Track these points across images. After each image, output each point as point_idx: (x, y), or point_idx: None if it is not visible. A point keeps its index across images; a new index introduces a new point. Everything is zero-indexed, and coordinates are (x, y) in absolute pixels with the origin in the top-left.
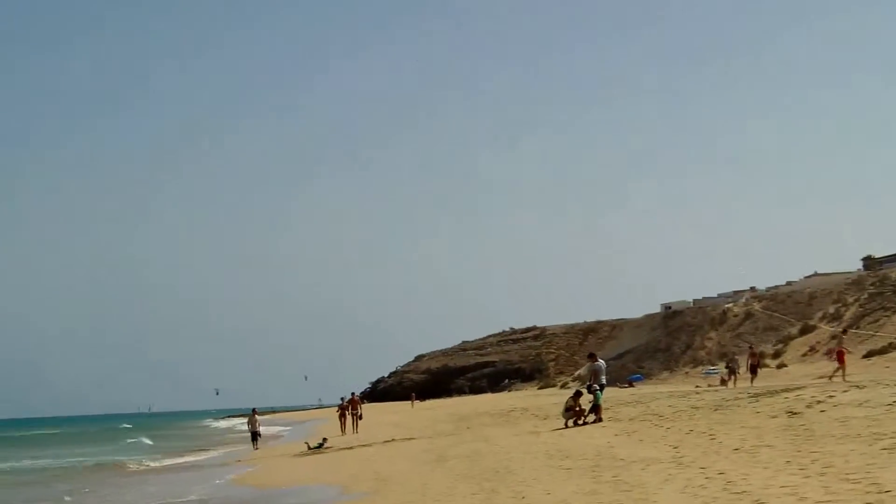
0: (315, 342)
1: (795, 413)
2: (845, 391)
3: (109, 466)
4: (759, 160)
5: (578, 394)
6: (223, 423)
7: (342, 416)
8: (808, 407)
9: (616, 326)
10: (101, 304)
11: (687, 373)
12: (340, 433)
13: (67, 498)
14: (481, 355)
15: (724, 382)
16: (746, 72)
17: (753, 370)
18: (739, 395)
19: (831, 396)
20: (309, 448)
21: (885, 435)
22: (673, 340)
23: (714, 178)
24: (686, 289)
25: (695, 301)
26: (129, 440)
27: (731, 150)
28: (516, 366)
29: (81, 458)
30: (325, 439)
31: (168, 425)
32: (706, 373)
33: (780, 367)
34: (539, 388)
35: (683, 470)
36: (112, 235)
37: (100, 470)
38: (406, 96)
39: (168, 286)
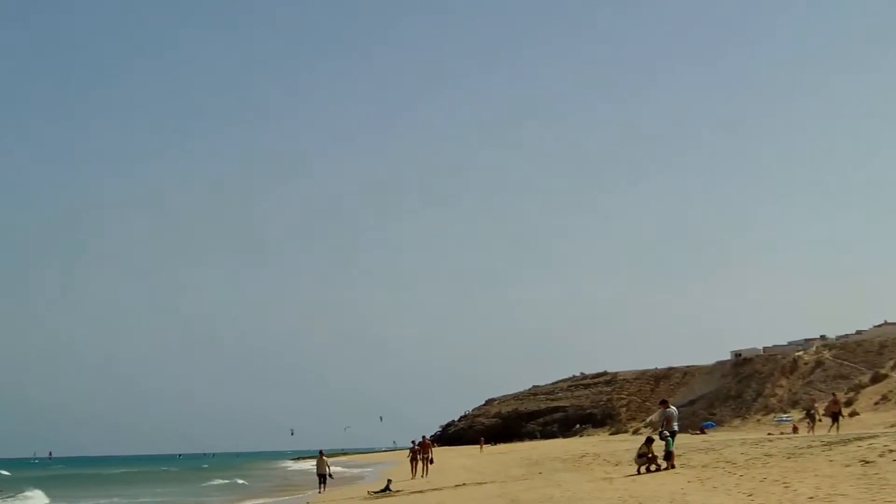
0: (390, 384)
1: (869, 462)
2: None
3: None
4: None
5: (650, 440)
6: (296, 465)
7: (413, 460)
8: (881, 456)
9: (687, 373)
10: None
11: (759, 420)
12: (411, 476)
13: None
14: (552, 400)
15: (795, 430)
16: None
17: (835, 417)
18: (812, 444)
19: None
20: (372, 494)
21: None
22: (744, 388)
23: (785, 227)
24: (755, 336)
25: (765, 349)
26: (220, 481)
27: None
28: (587, 411)
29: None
30: (389, 481)
31: (243, 466)
32: (778, 420)
33: (852, 415)
34: (610, 434)
35: None
36: (191, 283)
37: None
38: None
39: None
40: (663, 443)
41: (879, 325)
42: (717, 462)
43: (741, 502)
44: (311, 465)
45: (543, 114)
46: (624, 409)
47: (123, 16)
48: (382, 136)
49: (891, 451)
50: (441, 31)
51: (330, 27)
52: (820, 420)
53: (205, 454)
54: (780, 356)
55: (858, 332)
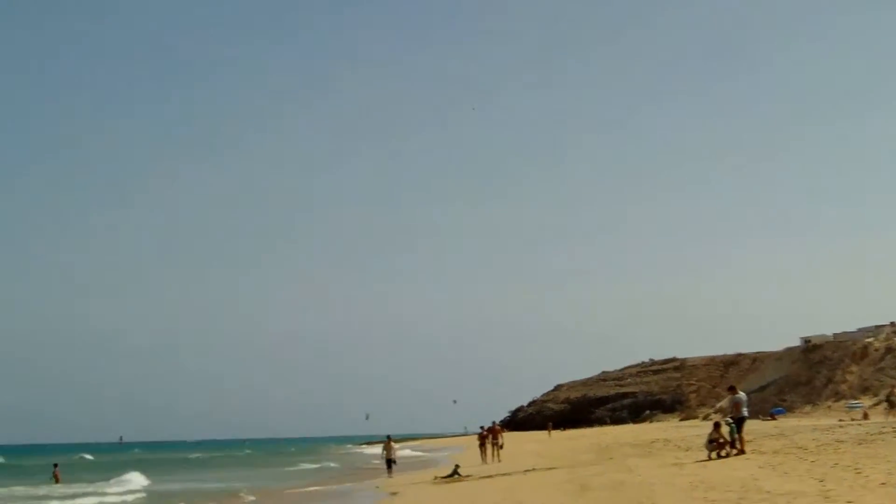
0: (461, 370)
1: None
2: None
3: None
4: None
5: (719, 425)
6: (368, 450)
7: (482, 445)
8: None
9: (756, 359)
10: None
11: (829, 406)
12: (480, 462)
13: None
14: (621, 385)
15: (866, 416)
16: None
17: None
18: (884, 430)
19: None
20: (440, 478)
21: None
22: (814, 374)
23: (854, 212)
24: (824, 322)
25: (834, 335)
26: (310, 465)
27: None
28: (657, 397)
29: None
30: (457, 466)
31: (315, 451)
32: (849, 406)
33: None
34: (680, 420)
35: None
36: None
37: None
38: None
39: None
40: (729, 427)
41: None
42: (789, 448)
43: (813, 488)
44: (378, 450)
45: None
46: (693, 394)
47: None
48: None
49: None
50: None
51: None
52: None
53: (282, 439)
54: (850, 342)
55: None
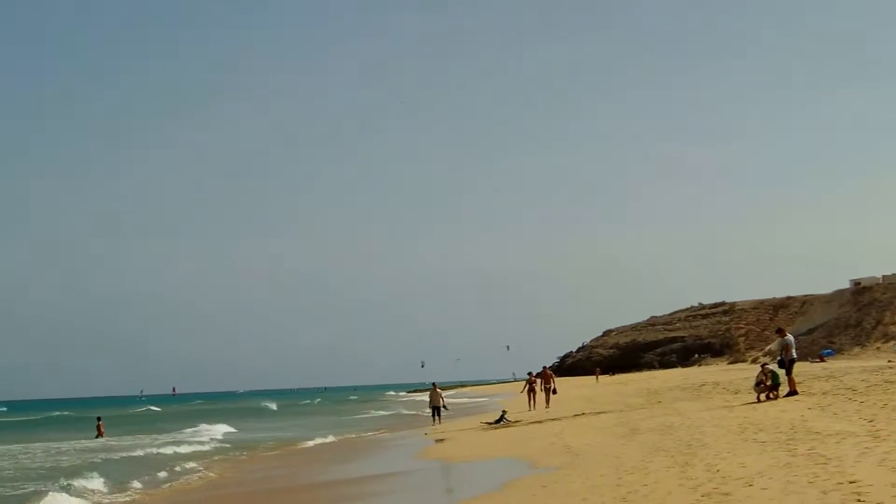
0: (512, 319)
1: None
2: None
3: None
4: None
5: (766, 368)
6: (419, 397)
7: (530, 391)
8: None
9: (806, 302)
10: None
11: (878, 348)
12: (528, 409)
13: None
14: (669, 330)
15: None
16: None
17: None
18: None
19: None
20: (485, 424)
21: None
22: (863, 316)
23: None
24: (874, 265)
25: (884, 277)
26: (381, 412)
27: None
28: (705, 341)
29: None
30: (504, 412)
31: (375, 398)
32: None
33: None
34: (729, 363)
35: (880, 443)
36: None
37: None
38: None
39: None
40: (782, 371)
41: None
42: (838, 389)
43: (862, 429)
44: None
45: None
46: (742, 338)
47: None
48: None
49: None
50: None
51: None
52: None
53: (323, 388)
54: None
55: None
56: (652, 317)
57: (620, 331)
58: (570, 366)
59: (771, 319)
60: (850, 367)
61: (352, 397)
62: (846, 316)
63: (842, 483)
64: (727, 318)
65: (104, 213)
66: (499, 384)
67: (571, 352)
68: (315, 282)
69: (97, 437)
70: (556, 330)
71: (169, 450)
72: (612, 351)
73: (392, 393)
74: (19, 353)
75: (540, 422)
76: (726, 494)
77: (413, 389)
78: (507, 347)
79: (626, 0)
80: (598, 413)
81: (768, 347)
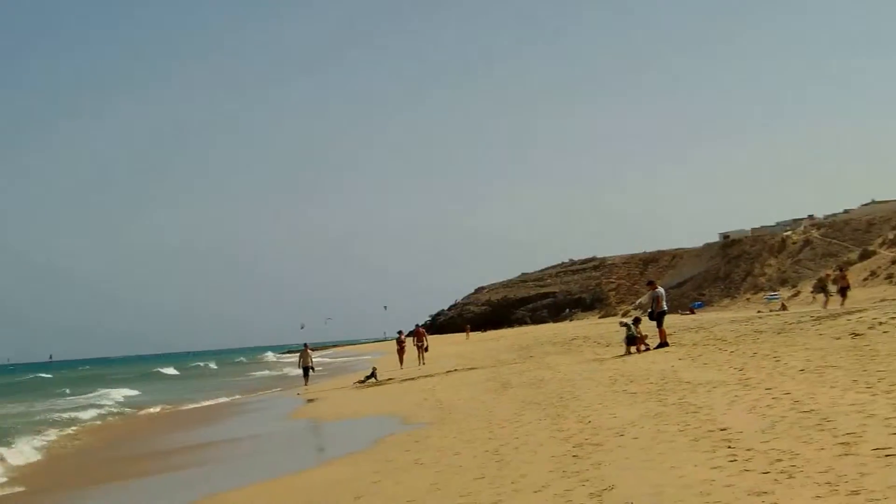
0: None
1: (859, 334)
2: None
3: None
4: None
5: (638, 320)
6: (286, 358)
7: (400, 350)
8: (870, 328)
9: (676, 256)
10: None
11: (748, 299)
12: (399, 367)
13: None
14: (541, 286)
15: (784, 308)
16: None
17: (843, 292)
18: (802, 319)
19: (894, 318)
20: (358, 383)
21: None
22: (732, 268)
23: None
24: (743, 218)
25: (752, 230)
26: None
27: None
28: (577, 296)
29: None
30: (374, 369)
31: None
32: (768, 298)
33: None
34: (600, 317)
35: (750, 391)
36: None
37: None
38: None
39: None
40: (653, 323)
41: (867, 204)
42: (708, 340)
43: (732, 377)
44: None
45: None
46: (613, 292)
47: None
48: None
49: (881, 323)
50: None
51: None
52: (832, 295)
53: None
54: (768, 236)
55: (846, 211)
56: (523, 273)
57: (492, 288)
58: (443, 323)
59: (641, 274)
60: (719, 318)
61: (241, 359)
62: (715, 268)
63: (712, 430)
64: (598, 273)
65: None
66: (372, 343)
67: (443, 310)
68: (196, 251)
69: None
70: (434, 291)
71: (68, 415)
72: (484, 308)
73: (270, 354)
74: None
75: (413, 379)
76: (598, 445)
77: (287, 351)
78: (385, 307)
79: None
80: (470, 369)
81: (639, 300)
